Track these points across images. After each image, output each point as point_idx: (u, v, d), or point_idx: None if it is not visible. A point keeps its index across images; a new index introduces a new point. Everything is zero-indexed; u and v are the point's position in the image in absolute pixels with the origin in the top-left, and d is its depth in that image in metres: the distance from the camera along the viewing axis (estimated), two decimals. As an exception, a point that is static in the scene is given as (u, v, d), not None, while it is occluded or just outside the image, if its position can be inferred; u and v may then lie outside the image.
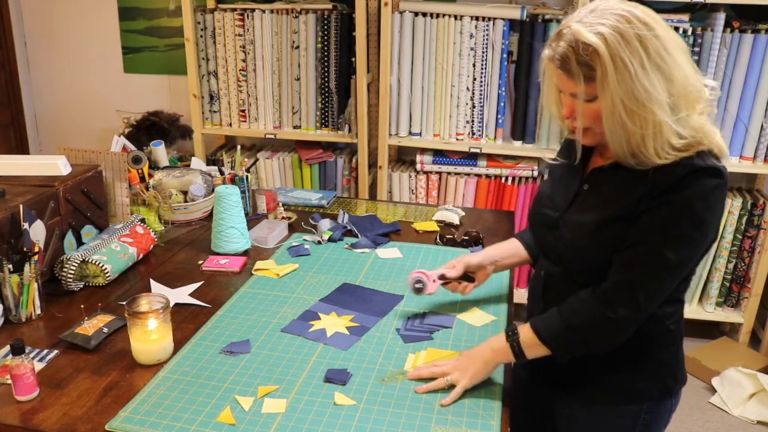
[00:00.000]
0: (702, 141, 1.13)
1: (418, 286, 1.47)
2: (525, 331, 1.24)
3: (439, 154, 2.92)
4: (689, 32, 2.57)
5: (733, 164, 2.73)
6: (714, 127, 1.16)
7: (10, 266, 1.42)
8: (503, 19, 2.70)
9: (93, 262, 1.59)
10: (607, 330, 1.18)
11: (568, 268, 1.28)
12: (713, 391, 2.68)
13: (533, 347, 1.22)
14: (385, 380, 1.27)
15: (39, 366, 1.30)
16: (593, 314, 1.18)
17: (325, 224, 1.97)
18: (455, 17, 2.72)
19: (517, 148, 2.86)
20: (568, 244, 1.25)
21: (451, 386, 1.24)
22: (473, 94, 2.81)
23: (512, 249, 1.53)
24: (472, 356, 1.27)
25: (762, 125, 2.66)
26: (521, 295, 2.74)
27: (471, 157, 2.89)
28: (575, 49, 1.09)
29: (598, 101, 1.11)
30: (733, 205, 2.76)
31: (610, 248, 1.18)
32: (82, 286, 1.60)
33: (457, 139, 2.88)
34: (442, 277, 1.49)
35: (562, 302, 1.24)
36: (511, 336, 1.24)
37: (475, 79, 2.79)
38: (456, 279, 1.49)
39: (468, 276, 1.51)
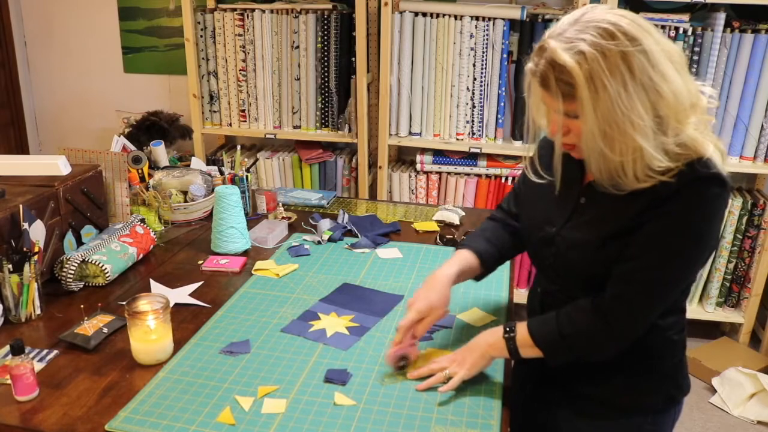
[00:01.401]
0: (692, 157, 1.07)
1: (401, 364, 1.30)
2: (522, 331, 1.23)
3: (439, 154, 2.92)
4: (689, 32, 2.58)
5: (733, 164, 2.72)
6: (708, 141, 1.09)
7: (10, 266, 1.42)
8: (503, 19, 2.70)
9: (93, 262, 1.59)
10: (601, 342, 1.17)
11: (566, 284, 1.25)
12: (713, 391, 2.68)
13: (528, 348, 1.22)
14: (386, 381, 1.27)
15: (39, 366, 1.30)
16: (589, 326, 1.16)
17: (325, 224, 1.97)
18: (455, 17, 2.72)
19: (517, 148, 2.86)
20: (567, 261, 1.22)
21: (449, 379, 1.24)
22: (473, 94, 2.81)
23: (464, 264, 1.38)
24: (469, 348, 1.27)
25: (762, 125, 2.66)
26: (521, 295, 2.73)
27: (471, 157, 2.89)
28: (554, 68, 1.03)
29: (579, 119, 1.07)
30: (733, 205, 2.76)
31: (610, 264, 1.15)
32: (82, 286, 1.60)
33: (457, 139, 2.88)
34: (413, 336, 1.32)
35: None
36: (508, 333, 1.23)
37: (475, 79, 2.79)
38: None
39: None
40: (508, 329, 1.24)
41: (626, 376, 1.25)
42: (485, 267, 1.42)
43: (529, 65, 1.10)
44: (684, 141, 1.07)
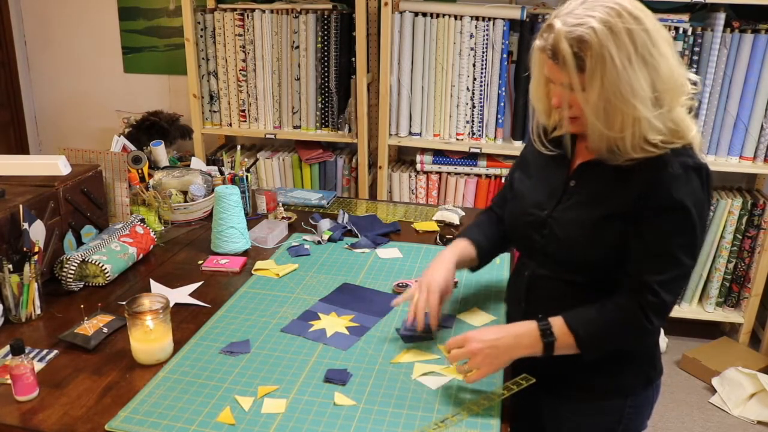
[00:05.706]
0: (680, 135, 1.15)
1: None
2: (561, 333, 1.20)
3: (439, 154, 2.92)
4: (689, 32, 2.57)
5: (733, 164, 2.73)
6: (693, 122, 1.18)
7: (10, 266, 1.42)
8: (503, 19, 2.70)
9: (93, 262, 1.59)
10: (643, 338, 1.25)
11: (557, 268, 1.28)
12: (713, 391, 2.68)
13: (565, 348, 1.21)
14: (386, 380, 1.27)
15: (39, 366, 1.30)
16: (636, 327, 1.19)
17: (325, 224, 1.97)
18: (455, 17, 2.72)
19: (517, 148, 2.85)
20: (560, 242, 1.25)
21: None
22: (473, 94, 2.81)
23: (464, 253, 1.43)
24: (502, 347, 1.21)
25: (762, 125, 2.66)
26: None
27: (471, 157, 2.89)
28: (566, 40, 1.09)
29: (585, 92, 1.12)
30: (733, 205, 2.76)
31: (606, 245, 1.19)
32: (82, 286, 1.60)
33: (457, 139, 2.88)
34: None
35: (546, 304, 1.24)
36: (548, 336, 1.20)
37: (475, 79, 2.79)
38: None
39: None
40: (545, 331, 1.21)
41: (612, 364, 1.27)
42: (480, 259, 1.46)
43: (537, 42, 1.16)
44: (674, 118, 1.15)
